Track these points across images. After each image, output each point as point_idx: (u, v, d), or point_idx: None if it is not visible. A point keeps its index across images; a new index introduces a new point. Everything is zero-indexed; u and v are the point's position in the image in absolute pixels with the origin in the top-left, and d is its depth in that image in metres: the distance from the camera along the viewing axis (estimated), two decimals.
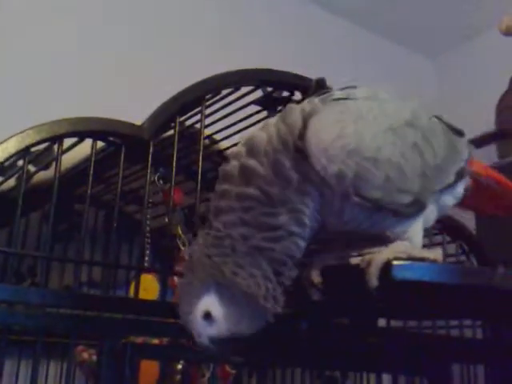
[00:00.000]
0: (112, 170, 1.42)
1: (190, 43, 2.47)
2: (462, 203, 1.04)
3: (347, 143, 0.82)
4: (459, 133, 1.01)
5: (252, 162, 0.84)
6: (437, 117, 0.99)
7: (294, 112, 0.87)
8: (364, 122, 0.85)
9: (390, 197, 0.85)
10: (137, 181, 1.56)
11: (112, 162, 1.26)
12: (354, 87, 0.94)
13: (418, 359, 1.44)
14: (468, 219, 1.85)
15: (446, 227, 1.66)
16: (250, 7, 2.70)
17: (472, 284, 0.88)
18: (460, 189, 1.01)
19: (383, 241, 0.88)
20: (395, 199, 0.85)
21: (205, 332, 0.83)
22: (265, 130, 0.87)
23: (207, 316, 0.82)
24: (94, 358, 1.50)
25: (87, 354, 1.53)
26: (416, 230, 0.92)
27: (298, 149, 0.83)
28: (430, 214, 0.95)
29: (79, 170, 1.33)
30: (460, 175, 0.98)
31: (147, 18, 2.43)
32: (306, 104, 0.89)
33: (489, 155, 2.18)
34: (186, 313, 0.83)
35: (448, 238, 1.68)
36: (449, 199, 0.99)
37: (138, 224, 1.61)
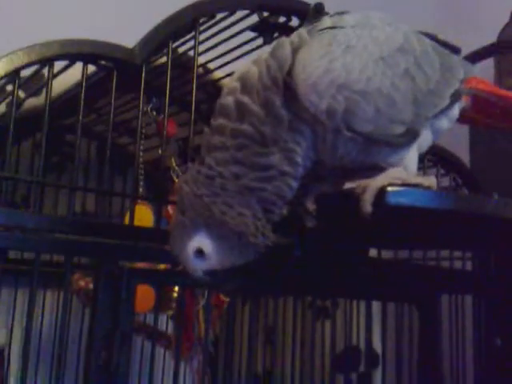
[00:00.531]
0: (104, 98, 1.39)
1: None
2: (460, 119, 1.02)
3: (336, 77, 0.80)
4: (455, 50, 0.99)
5: (245, 99, 0.82)
6: (432, 35, 0.96)
7: (284, 46, 0.84)
8: (353, 53, 0.83)
9: (382, 129, 0.84)
10: (129, 111, 1.54)
11: (104, 91, 1.23)
12: (344, 13, 0.91)
13: (407, 288, 1.47)
14: (462, 152, 1.85)
15: (440, 160, 1.65)
16: None
17: (465, 211, 0.89)
18: (456, 111, 0.99)
19: (378, 171, 0.87)
20: (387, 131, 0.84)
21: (198, 266, 0.85)
22: (257, 64, 0.85)
23: (199, 253, 0.83)
24: (91, 285, 1.51)
25: (84, 282, 1.54)
26: (410, 157, 0.92)
27: (287, 85, 0.81)
28: (425, 139, 0.94)
29: (70, 97, 1.30)
30: (456, 97, 0.96)
31: None
32: (294, 36, 0.86)
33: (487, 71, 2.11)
34: (178, 251, 0.85)
35: (442, 171, 1.68)
36: (444, 122, 0.98)
37: (132, 156, 1.60)
